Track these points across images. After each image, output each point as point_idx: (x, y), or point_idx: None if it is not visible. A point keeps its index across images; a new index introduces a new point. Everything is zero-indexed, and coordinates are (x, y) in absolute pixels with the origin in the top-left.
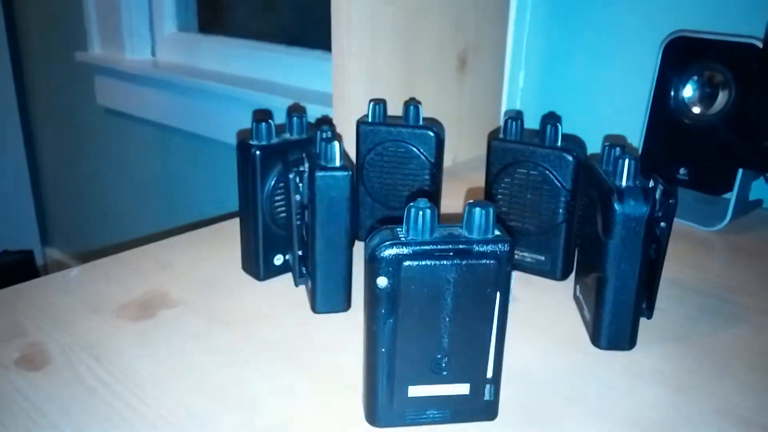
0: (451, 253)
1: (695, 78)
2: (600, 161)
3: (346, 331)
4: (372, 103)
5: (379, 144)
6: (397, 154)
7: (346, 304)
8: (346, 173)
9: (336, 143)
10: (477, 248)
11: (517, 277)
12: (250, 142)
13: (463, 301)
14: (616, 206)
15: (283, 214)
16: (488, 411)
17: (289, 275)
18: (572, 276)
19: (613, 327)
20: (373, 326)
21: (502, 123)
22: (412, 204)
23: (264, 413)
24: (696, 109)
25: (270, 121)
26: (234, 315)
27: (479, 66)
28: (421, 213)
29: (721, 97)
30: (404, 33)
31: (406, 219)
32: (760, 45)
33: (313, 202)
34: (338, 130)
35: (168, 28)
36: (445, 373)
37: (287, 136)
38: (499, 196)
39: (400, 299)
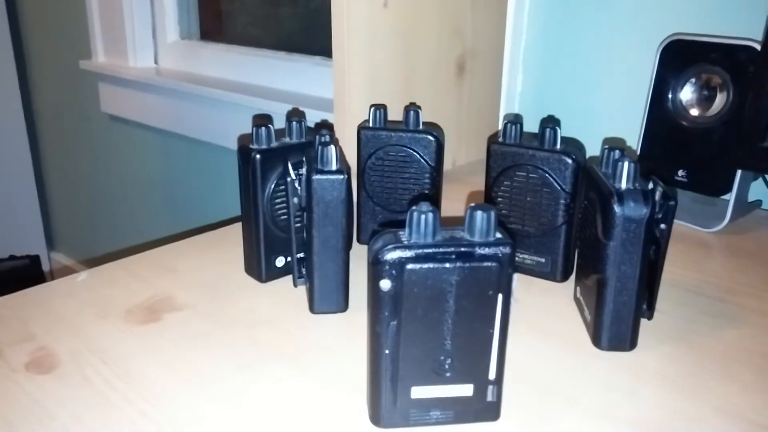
0: (454, 256)
1: (693, 80)
2: (599, 164)
3: (349, 333)
4: (372, 109)
5: (380, 149)
6: (398, 159)
7: (343, 305)
8: (342, 176)
9: (332, 147)
10: (479, 251)
11: (518, 279)
12: (251, 146)
13: (465, 303)
14: (616, 208)
15: (284, 217)
16: (491, 412)
17: (291, 277)
18: (572, 278)
19: (614, 328)
20: (377, 328)
21: (501, 127)
22: (414, 207)
23: (270, 415)
24: (694, 111)
25: (270, 125)
26: (239, 318)
27: (478, 70)
28: (423, 216)
29: (719, 99)
30: (403, 39)
31: (408, 222)
32: (757, 47)
33: (310, 204)
34: (340, 135)
35: (170, 36)
36: (448, 374)
37: (287, 140)
38: (499, 199)
39: (403, 302)
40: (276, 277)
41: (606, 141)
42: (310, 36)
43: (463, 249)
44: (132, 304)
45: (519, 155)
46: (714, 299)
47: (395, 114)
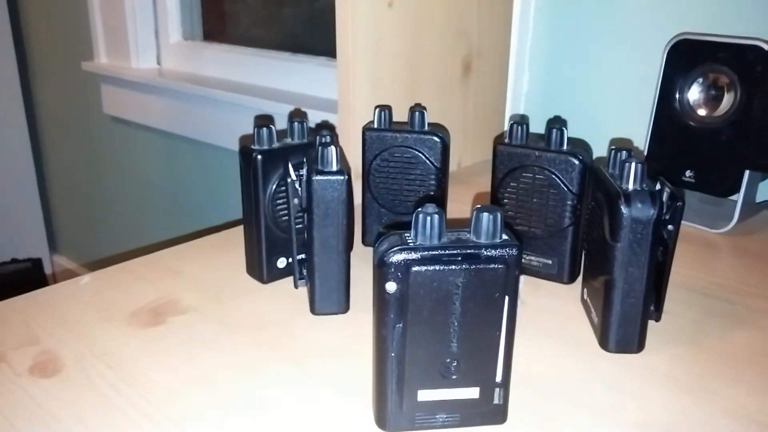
0: (460, 258)
1: (700, 80)
2: (606, 165)
3: (353, 335)
4: (377, 109)
5: (385, 150)
6: (403, 160)
7: (344, 306)
8: (343, 177)
9: (333, 147)
10: (485, 253)
11: (524, 280)
12: (252, 147)
13: (471, 306)
14: (623, 209)
15: (285, 218)
16: (498, 415)
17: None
18: (580, 279)
19: (621, 330)
20: (383, 331)
21: (507, 127)
22: (420, 209)
23: (275, 418)
24: (701, 112)
25: (271, 126)
26: (243, 320)
27: (483, 71)
28: (429, 218)
29: (727, 99)
30: (408, 39)
31: (414, 224)
32: (765, 46)
33: (311, 205)
34: (344, 136)
35: (173, 37)
36: (454, 377)
37: (288, 140)
38: (506, 201)
39: (409, 304)
40: (277, 278)
41: (613, 141)
42: (314, 36)
43: (469, 251)
44: (136, 307)
45: (525, 156)
46: (722, 300)
47: (400, 115)
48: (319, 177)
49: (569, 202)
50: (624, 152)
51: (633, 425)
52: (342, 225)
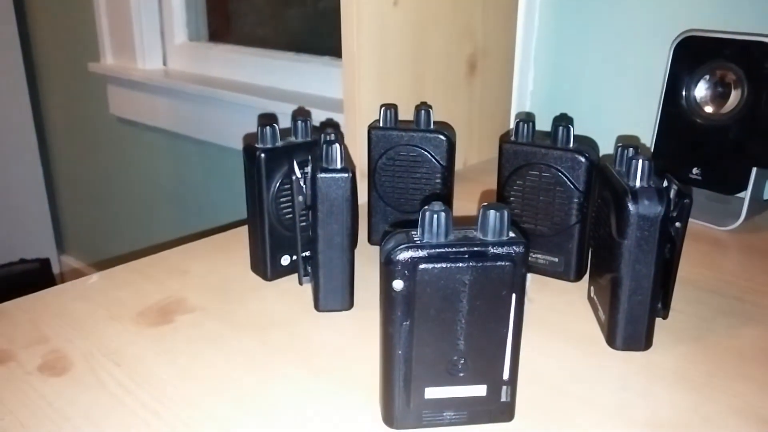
0: (467, 256)
1: (707, 77)
2: (613, 162)
3: (360, 333)
4: (383, 108)
5: (390, 148)
6: (409, 159)
7: (348, 303)
8: (347, 175)
9: (337, 145)
10: (492, 250)
11: (531, 278)
12: (256, 145)
13: (478, 303)
14: (630, 207)
15: (289, 216)
16: (505, 412)
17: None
18: (586, 277)
19: (629, 328)
20: (390, 329)
21: (513, 125)
22: (426, 207)
23: (282, 416)
24: (708, 109)
25: (275, 124)
26: (250, 319)
27: (489, 69)
28: (436, 216)
29: (734, 96)
30: (414, 38)
31: (421, 222)
32: None
33: (315, 202)
34: (350, 135)
35: (178, 38)
36: (461, 374)
37: (292, 139)
38: (512, 199)
39: (416, 302)
40: (282, 275)
41: (619, 139)
42: (319, 36)
43: (476, 248)
44: (144, 306)
45: (531, 154)
46: (730, 298)
47: (406, 113)
48: (323, 174)
49: (576, 200)
50: (631, 149)
51: (640, 423)
52: (346, 222)
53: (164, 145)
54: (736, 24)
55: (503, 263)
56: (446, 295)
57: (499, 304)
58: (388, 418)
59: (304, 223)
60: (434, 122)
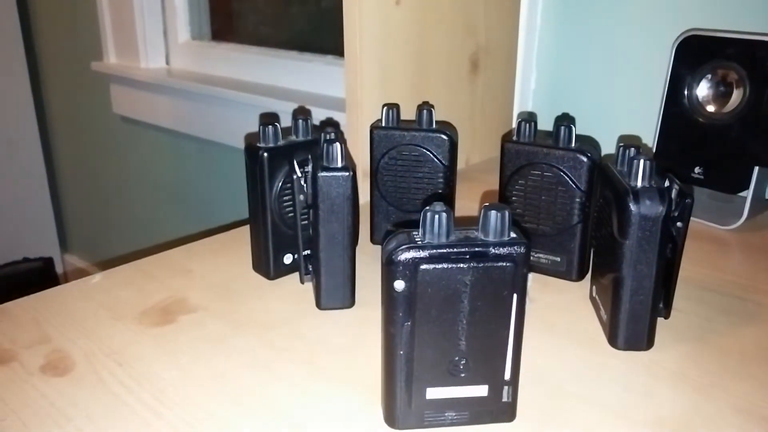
0: (468, 256)
1: (709, 76)
2: (615, 162)
3: (361, 332)
4: (385, 108)
5: (393, 148)
6: (411, 158)
7: (350, 301)
8: (348, 173)
9: (338, 144)
10: (493, 251)
11: (533, 278)
12: (258, 144)
13: (480, 304)
14: (632, 207)
15: (291, 214)
16: (506, 412)
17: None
18: (588, 277)
19: (630, 327)
20: (391, 329)
21: (515, 125)
22: (428, 208)
23: (284, 416)
24: (710, 108)
25: (276, 124)
26: (252, 318)
27: (491, 68)
28: (437, 216)
29: (736, 95)
30: (416, 37)
31: (422, 223)
32: None
33: (316, 201)
34: (352, 134)
35: (181, 36)
36: (463, 375)
37: (293, 138)
38: (514, 198)
39: (417, 302)
40: (284, 274)
41: (621, 138)
42: (322, 35)
43: (477, 249)
44: (146, 306)
45: (533, 154)
46: (732, 297)
47: (408, 113)
48: (324, 173)
49: (578, 200)
50: (632, 149)
51: (642, 422)
52: (347, 220)
53: (167, 144)
54: (738, 23)
55: (504, 264)
56: (447, 296)
57: (501, 305)
58: (390, 419)
59: (305, 222)
60: (436, 122)
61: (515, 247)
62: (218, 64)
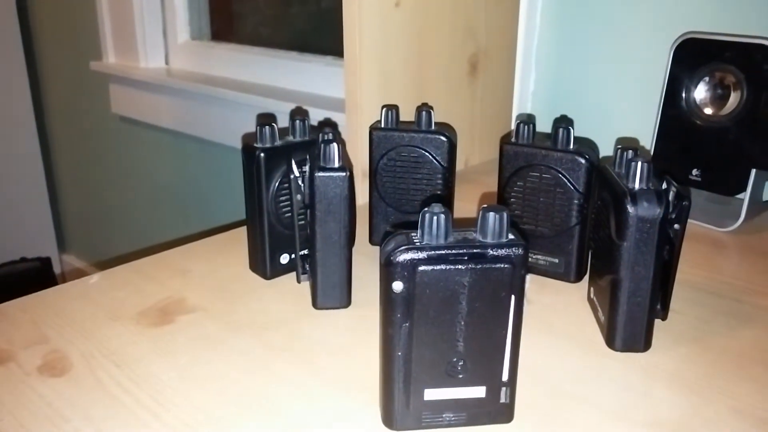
0: (466, 258)
1: (706, 79)
2: (613, 164)
3: (359, 332)
4: (384, 109)
5: (392, 149)
6: (410, 159)
7: (346, 301)
8: (345, 173)
9: (335, 144)
10: (491, 252)
11: (531, 279)
12: (255, 144)
13: (477, 305)
14: (630, 209)
15: (288, 215)
16: (504, 413)
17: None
18: (586, 278)
19: (628, 329)
20: (389, 330)
21: (514, 127)
22: (426, 209)
23: (282, 417)
24: (708, 110)
25: (273, 124)
26: (250, 319)
27: (490, 70)
28: (435, 218)
29: (733, 98)
30: (415, 38)
31: (420, 224)
32: None
33: (313, 201)
34: (351, 135)
35: (181, 36)
36: (461, 376)
37: (290, 138)
38: (512, 200)
39: (416, 303)
40: (280, 274)
41: (619, 141)
42: (322, 35)
43: (475, 250)
44: (144, 307)
45: (532, 155)
46: (729, 299)
47: (407, 114)
48: (321, 173)
49: (576, 201)
50: (630, 151)
51: (640, 424)
52: (344, 220)
53: (166, 144)
54: (735, 26)
55: (502, 265)
56: (446, 297)
57: (499, 306)
58: (388, 419)
59: (302, 222)
60: (435, 123)
61: (513, 249)
62: (218, 64)
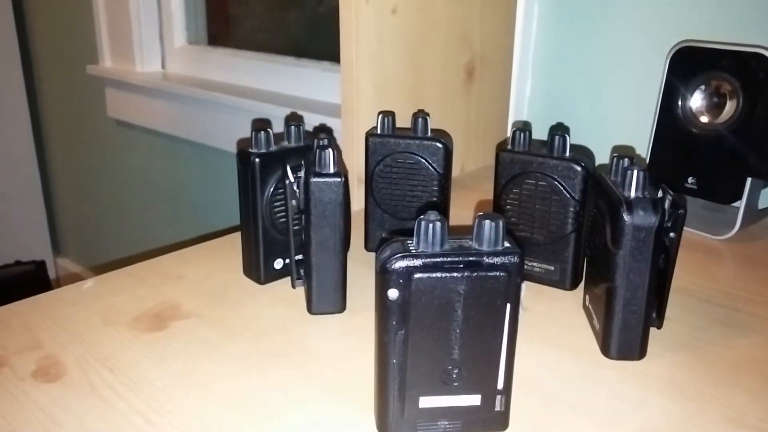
0: (462, 266)
1: (702, 87)
2: (608, 172)
3: (354, 338)
4: (381, 115)
5: (388, 155)
6: (406, 166)
7: (341, 306)
8: (339, 179)
9: (330, 150)
10: (487, 260)
11: (526, 286)
12: (250, 150)
13: (473, 313)
14: (625, 217)
15: (283, 220)
16: (499, 421)
17: (289, 278)
18: (581, 286)
19: (623, 337)
20: (384, 337)
21: (510, 134)
22: (422, 217)
23: (277, 423)
24: (704, 119)
25: (268, 129)
26: (244, 325)
27: (486, 77)
28: (431, 225)
29: (729, 106)
30: (412, 45)
31: (416, 231)
32: (767, 54)
33: (308, 206)
34: (347, 141)
35: (177, 41)
36: (456, 384)
37: (285, 144)
38: (508, 207)
39: (411, 311)
40: (274, 279)
41: (615, 148)
42: (318, 41)
43: (471, 258)
44: (139, 312)
45: (528, 163)
46: (724, 307)
47: (403, 121)
48: (316, 179)
49: (571, 209)
50: (626, 159)
51: None
52: (339, 226)
53: (162, 149)
54: (731, 35)
55: (498, 273)
56: (441, 305)
57: (494, 314)
58: (383, 427)
59: (297, 227)
60: (431, 130)
61: (509, 257)
62: (214, 68)
